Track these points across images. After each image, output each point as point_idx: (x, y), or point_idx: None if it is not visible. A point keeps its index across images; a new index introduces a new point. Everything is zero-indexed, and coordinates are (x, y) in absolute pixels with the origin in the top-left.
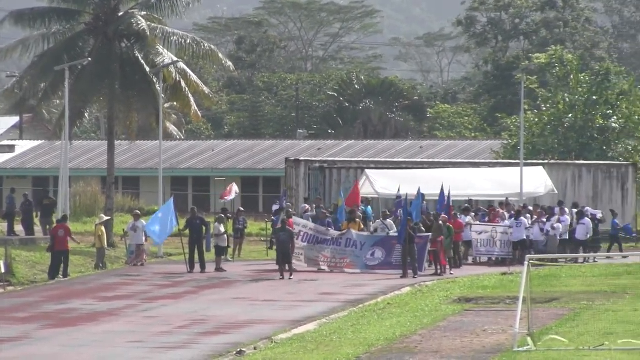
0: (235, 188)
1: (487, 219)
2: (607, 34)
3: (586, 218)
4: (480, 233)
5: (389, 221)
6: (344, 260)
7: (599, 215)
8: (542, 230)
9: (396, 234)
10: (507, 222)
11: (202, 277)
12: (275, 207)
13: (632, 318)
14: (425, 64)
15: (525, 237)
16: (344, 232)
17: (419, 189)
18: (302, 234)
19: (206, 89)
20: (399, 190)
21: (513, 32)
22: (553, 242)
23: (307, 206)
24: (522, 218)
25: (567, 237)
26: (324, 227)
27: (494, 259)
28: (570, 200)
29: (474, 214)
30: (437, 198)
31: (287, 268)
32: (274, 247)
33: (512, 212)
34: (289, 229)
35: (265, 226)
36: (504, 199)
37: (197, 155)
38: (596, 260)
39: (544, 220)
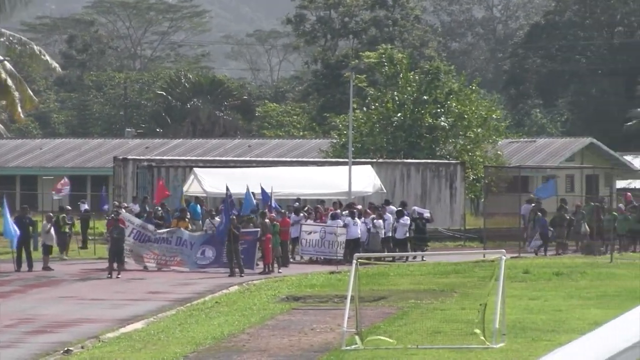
0: (66, 183)
1: (313, 215)
2: (435, 32)
3: (405, 217)
4: (310, 233)
5: (217, 219)
6: (174, 258)
7: (426, 215)
8: (368, 229)
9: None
10: (340, 221)
11: (30, 276)
12: (83, 207)
13: (459, 316)
14: (255, 63)
15: (359, 236)
16: (173, 230)
17: (247, 187)
18: (134, 231)
19: (30, 92)
20: (227, 188)
21: (342, 30)
22: (375, 240)
23: (127, 204)
24: (406, 217)
25: (391, 235)
26: (151, 225)
27: (322, 258)
28: (398, 199)
29: (305, 213)
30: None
31: (115, 267)
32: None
33: (336, 211)
34: (121, 227)
35: (93, 225)
36: (336, 199)
37: (25, 154)
38: (424, 258)
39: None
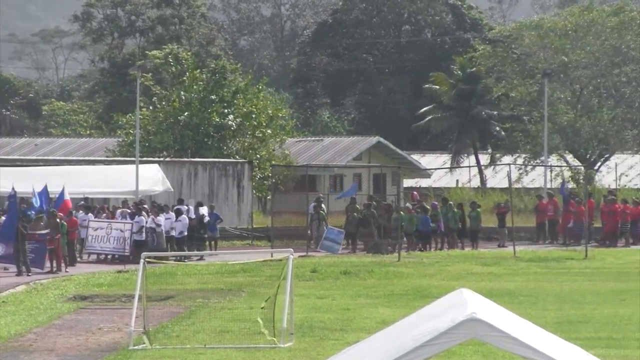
0: None
1: (104, 215)
2: (223, 30)
3: (183, 215)
4: (96, 229)
5: (3, 218)
6: None
7: (202, 212)
8: (151, 228)
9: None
10: (161, 218)
11: None
12: None
13: (247, 316)
14: (41, 62)
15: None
16: None
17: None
18: None
19: None
20: (12, 188)
21: (129, 28)
22: (160, 239)
23: None
24: (184, 215)
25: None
26: None
27: (109, 257)
28: (186, 198)
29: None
30: (55, 195)
31: None
32: None
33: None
34: None
35: None
36: (123, 197)
37: None
38: (203, 258)
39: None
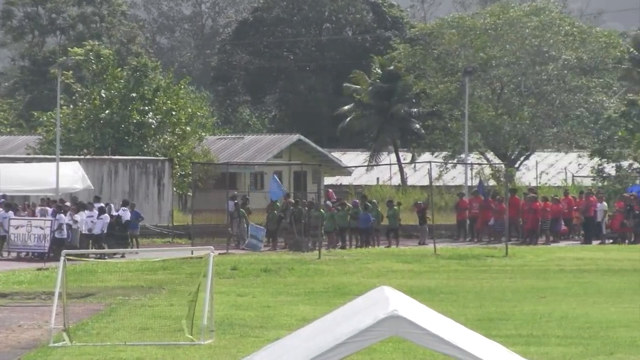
0: None
1: (25, 213)
2: (144, 28)
3: (105, 214)
4: (17, 227)
5: None
6: None
7: (120, 213)
8: (68, 224)
9: None
10: (78, 216)
11: None
12: None
13: (167, 313)
14: None
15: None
16: None
17: None
18: None
19: None
20: None
21: (50, 26)
22: (75, 236)
23: None
24: (106, 214)
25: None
26: None
27: (30, 254)
28: (106, 195)
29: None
30: None
31: None
32: None
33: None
34: None
35: None
36: (43, 195)
37: None
38: (124, 255)
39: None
